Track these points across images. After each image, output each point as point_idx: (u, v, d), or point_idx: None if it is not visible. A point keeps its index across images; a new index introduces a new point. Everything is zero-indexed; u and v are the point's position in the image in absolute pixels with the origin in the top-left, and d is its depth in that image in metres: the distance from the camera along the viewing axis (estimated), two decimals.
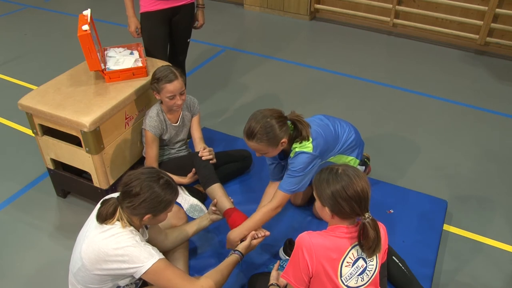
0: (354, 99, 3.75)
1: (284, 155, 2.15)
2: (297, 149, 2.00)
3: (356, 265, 1.51)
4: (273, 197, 2.07)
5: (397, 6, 4.77)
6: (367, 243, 1.47)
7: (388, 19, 4.89)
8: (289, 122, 2.02)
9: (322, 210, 1.53)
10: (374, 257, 1.54)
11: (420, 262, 2.15)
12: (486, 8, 4.32)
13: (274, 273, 1.76)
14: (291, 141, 2.02)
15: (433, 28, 4.69)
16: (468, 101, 3.72)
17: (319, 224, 2.41)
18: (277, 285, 1.71)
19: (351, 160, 2.31)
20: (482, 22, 4.40)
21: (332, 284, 1.50)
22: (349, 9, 5.09)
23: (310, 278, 1.51)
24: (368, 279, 1.54)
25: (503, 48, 4.50)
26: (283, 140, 1.96)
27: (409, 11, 4.74)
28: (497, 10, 4.29)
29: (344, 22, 5.23)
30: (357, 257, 1.51)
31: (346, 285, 1.51)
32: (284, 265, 1.88)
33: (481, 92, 3.87)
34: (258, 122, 1.92)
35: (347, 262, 1.49)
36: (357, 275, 1.52)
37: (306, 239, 1.49)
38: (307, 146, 1.99)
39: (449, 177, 2.90)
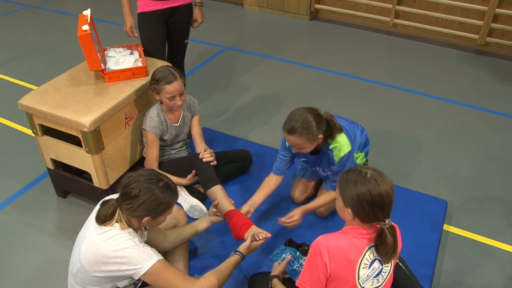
0: (354, 99, 3.75)
1: (315, 151, 2.20)
2: (340, 153, 2.10)
3: (372, 267, 1.50)
4: (330, 193, 2.24)
5: (397, 6, 4.77)
6: (384, 249, 1.45)
7: (388, 19, 4.89)
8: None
9: (343, 210, 1.51)
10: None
11: (420, 262, 2.15)
12: (486, 8, 4.32)
13: (277, 265, 1.78)
14: (325, 138, 2.10)
15: (433, 28, 4.69)
16: (468, 101, 3.72)
17: (319, 224, 2.41)
18: (278, 277, 1.72)
19: (361, 155, 2.39)
20: (482, 22, 4.40)
21: (350, 286, 1.48)
22: (349, 9, 5.09)
23: (327, 279, 1.49)
24: (383, 280, 1.54)
25: (503, 48, 4.50)
26: (320, 136, 2.04)
27: (409, 11, 4.74)
28: (497, 10, 4.29)
29: (344, 22, 5.23)
30: (373, 258, 1.50)
31: (363, 287, 1.50)
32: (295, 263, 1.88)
33: (481, 92, 3.87)
34: (298, 118, 2.01)
35: (364, 264, 1.48)
36: (373, 277, 1.51)
37: (323, 242, 1.47)
38: (346, 146, 2.09)
39: (449, 177, 2.90)
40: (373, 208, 1.43)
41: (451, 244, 2.43)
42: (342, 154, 2.09)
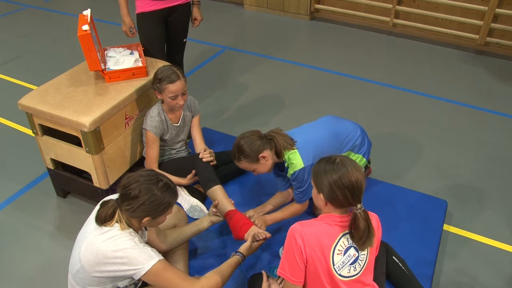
0: (354, 99, 3.75)
1: (282, 168, 2.25)
2: (290, 170, 2.13)
3: (347, 253, 1.54)
4: (293, 205, 2.25)
5: (397, 6, 4.77)
6: (357, 234, 1.51)
7: (388, 19, 4.89)
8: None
9: (317, 196, 1.58)
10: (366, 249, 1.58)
11: (420, 262, 2.15)
12: (486, 8, 4.32)
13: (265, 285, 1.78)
14: (278, 154, 2.14)
15: (433, 28, 4.69)
16: (468, 101, 3.72)
17: None
18: None
19: (358, 157, 2.37)
20: (482, 22, 4.40)
21: (326, 272, 1.52)
22: (349, 9, 5.09)
23: (306, 266, 1.53)
24: (360, 268, 1.57)
25: (503, 48, 4.50)
26: (262, 154, 2.09)
27: (409, 11, 4.74)
28: (497, 10, 4.29)
29: (344, 22, 5.23)
30: (348, 245, 1.54)
31: (339, 274, 1.54)
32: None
33: (481, 92, 3.87)
34: (233, 146, 2.13)
35: (338, 250, 1.53)
36: (349, 264, 1.55)
37: (297, 227, 1.54)
38: (297, 163, 2.10)
39: (449, 177, 2.90)
40: (343, 192, 1.50)
41: (451, 244, 2.43)
42: (292, 172, 2.13)
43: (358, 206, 1.51)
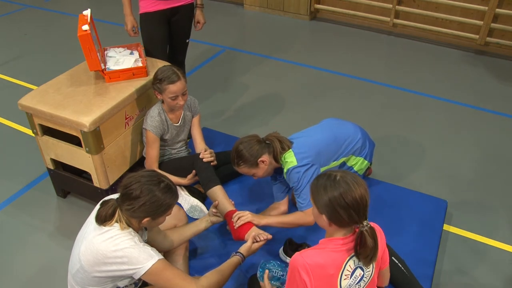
0: (354, 99, 3.75)
1: (280, 171, 2.25)
2: (284, 169, 2.15)
3: (354, 275, 1.47)
4: (296, 213, 2.17)
5: (397, 6, 4.77)
6: (364, 252, 1.42)
7: (388, 19, 4.89)
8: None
9: (319, 217, 1.48)
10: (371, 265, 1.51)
11: (420, 262, 2.15)
12: (486, 8, 4.32)
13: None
14: (276, 158, 2.15)
15: (433, 28, 4.69)
16: (468, 101, 3.72)
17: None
18: None
19: (359, 160, 2.36)
20: (482, 22, 4.40)
21: None
22: (349, 9, 5.09)
23: None
24: (364, 284, 1.53)
25: (503, 48, 4.50)
26: (261, 159, 2.12)
27: (409, 11, 4.74)
28: (497, 10, 4.29)
29: (344, 22, 5.23)
30: (354, 267, 1.47)
31: None
32: (275, 274, 1.87)
33: (481, 92, 3.87)
34: (232, 151, 2.15)
35: (345, 275, 1.45)
36: (355, 284, 1.49)
37: (300, 260, 1.42)
38: (291, 161, 2.12)
39: (449, 177, 2.90)
40: (347, 212, 1.39)
41: (451, 244, 2.43)
42: (286, 170, 2.14)
43: (365, 223, 1.40)
